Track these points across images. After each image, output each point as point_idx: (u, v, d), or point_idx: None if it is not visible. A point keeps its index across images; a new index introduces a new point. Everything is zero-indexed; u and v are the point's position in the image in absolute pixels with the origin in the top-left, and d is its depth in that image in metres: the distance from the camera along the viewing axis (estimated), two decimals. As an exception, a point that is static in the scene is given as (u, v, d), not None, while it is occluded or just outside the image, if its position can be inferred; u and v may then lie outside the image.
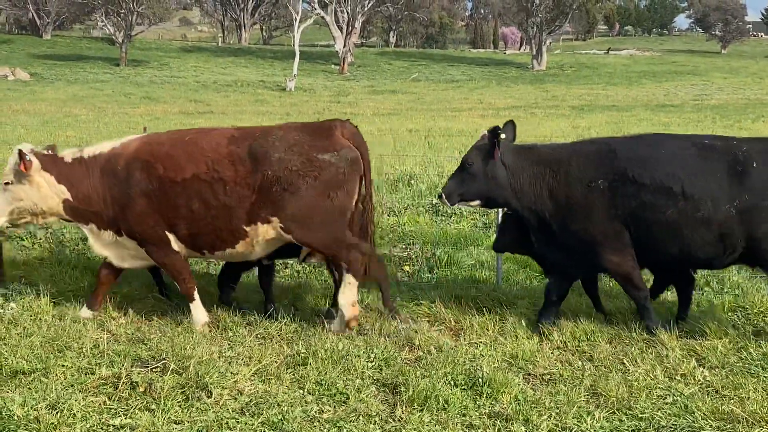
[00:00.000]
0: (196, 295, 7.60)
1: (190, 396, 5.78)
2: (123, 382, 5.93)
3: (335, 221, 7.25)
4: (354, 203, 7.37)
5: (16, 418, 5.29)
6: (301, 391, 5.95)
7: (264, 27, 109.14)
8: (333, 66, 72.75)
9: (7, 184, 7.36)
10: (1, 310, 7.62)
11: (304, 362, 6.42)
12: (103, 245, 7.61)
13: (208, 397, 5.78)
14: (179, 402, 5.69)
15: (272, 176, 7.04)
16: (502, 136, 7.28)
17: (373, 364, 6.47)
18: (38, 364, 6.23)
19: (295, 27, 65.60)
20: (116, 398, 5.74)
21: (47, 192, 7.38)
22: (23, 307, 7.66)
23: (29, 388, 5.86)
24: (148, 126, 13.95)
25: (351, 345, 6.81)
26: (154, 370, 6.24)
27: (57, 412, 5.41)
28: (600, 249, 7.13)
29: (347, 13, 72.87)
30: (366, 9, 74.74)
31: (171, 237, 7.39)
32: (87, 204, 7.42)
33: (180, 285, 7.66)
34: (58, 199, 7.42)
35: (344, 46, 71.01)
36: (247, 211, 7.15)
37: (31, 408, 5.42)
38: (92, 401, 5.67)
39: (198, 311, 7.58)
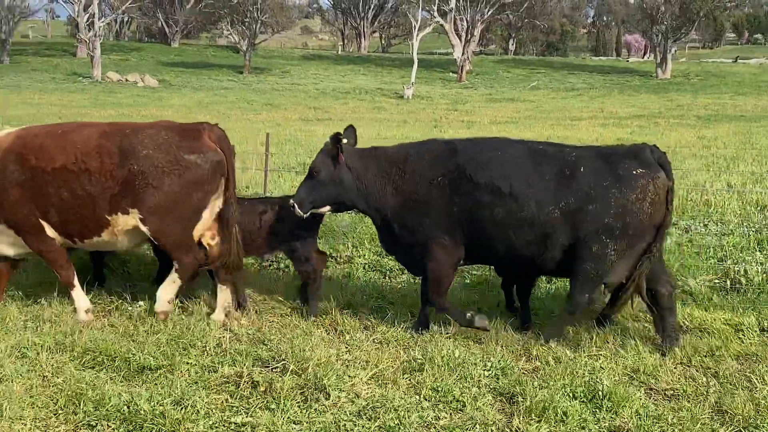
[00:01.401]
0: (76, 282, 7.81)
1: (308, 397, 5.86)
2: (244, 381, 6.07)
3: (188, 219, 7.59)
4: (214, 203, 7.70)
5: (143, 412, 5.47)
6: (418, 397, 5.97)
7: (383, 35, 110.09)
8: (451, 74, 72.73)
9: None
10: (130, 308, 7.92)
11: (420, 368, 6.44)
12: None
13: (326, 399, 5.85)
14: (298, 402, 5.79)
15: (137, 170, 7.34)
16: (344, 141, 7.52)
17: (490, 372, 6.43)
18: (164, 360, 6.43)
19: (414, 35, 65.94)
20: (238, 396, 5.88)
21: None
22: (150, 305, 7.93)
23: (155, 384, 6.06)
24: (270, 132, 14.25)
25: (467, 353, 6.80)
26: (274, 370, 6.37)
27: (181, 408, 5.57)
28: (434, 244, 7.31)
29: (466, 20, 72.74)
30: (485, 17, 74.39)
31: (45, 225, 7.62)
32: None
33: (58, 272, 7.85)
34: None
35: (463, 54, 70.87)
36: (109, 202, 7.44)
37: (157, 403, 5.60)
38: (215, 399, 5.83)
39: (80, 299, 7.80)
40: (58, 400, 5.72)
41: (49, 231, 7.67)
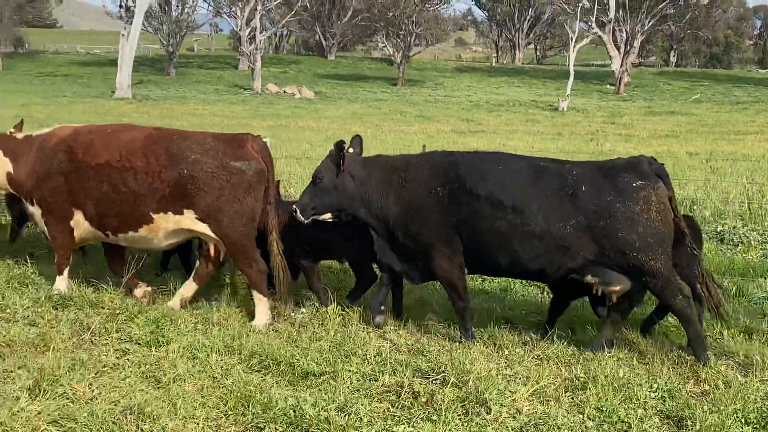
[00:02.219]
0: (66, 272, 8.50)
1: (469, 410, 5.83)
2: (405, 391, 6.08)
3: (245, 225, 7.94)
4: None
5: (308, 417, 5.58)
6: (581, 416, 5.85)
7: (538, 47, 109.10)
8: (608, 86, 71.17)
9: None
10: (293, 314, 8.12)
11: (583, 387, 6.30)
12: None
13: (488, 413, 5.81)
14: (459, 415, 5.77)
15: (188, 174, 7.81)
16: (350, 150, 7.79)
17: (656, 394, 6.23)
18: (327, 367, 6.54)
19: (571, 47, 64.88)
20: (399, 406, 5.91)
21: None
22: (312, 312, 8.09)
23: (319, 390, 6.18)
24: (426, 144, 14.32)
25: (632, 373, 6.60)
26: (434, 381, 6.37)
27: (345, 415, 5.65)
28: (436, 254, 7.44)
29: (626, 32, 71.09)
30: (646, 28, 72.52)
31: (78, 215, 8.26)
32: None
33: (59, 258, 8.48)
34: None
35: (621, 66, 69.23)
36: (157, 201, 7.93)
37: (322, 409, 5.69)
38: (377, 407, 5.88)
39: (62, 283, 8.46)
40: (228, 401, 5.90)
41: (81, 221, 8.29)
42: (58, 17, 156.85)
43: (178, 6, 78.12)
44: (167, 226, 8.05)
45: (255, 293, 7.98)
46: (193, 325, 7.57)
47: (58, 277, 8.50)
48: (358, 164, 7.78)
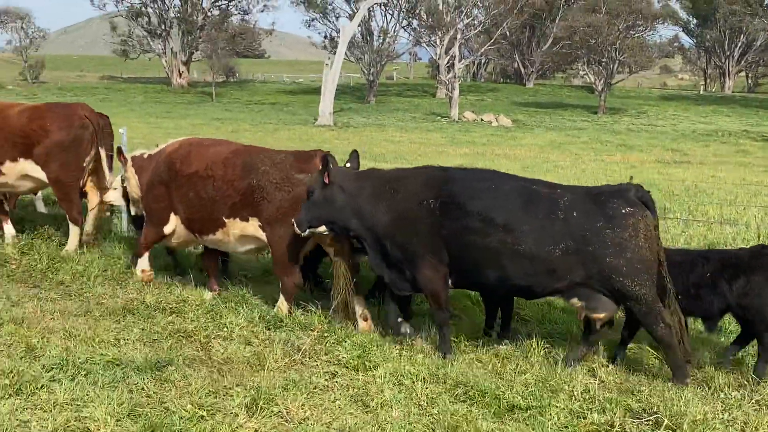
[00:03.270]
0: (145, 255, 9.78)
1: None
2: (616, 431, 5.89)
3: (296, 237, 8.34)
4: None
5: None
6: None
7: (750, 74, 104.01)
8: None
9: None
10: (496, 345, 8.04)
11: (811, 439, 5.87)
12: None
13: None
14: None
15: (256, 184, 8.59)
16: (347, 165, 8.30)
17: None
18: (533, 401, 6.42)
19: (785, 74, 61.40)
20: (611, 447, 5.72)
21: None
22: (516, 345, 7.99)
23: (526, 424, 6.07)
24: (633, 175, 13.92)
25: None
26: (646, 423, 6.13)
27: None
28: (421, 263, 7.60)
29: None
30: None
31: (174, 219, 9.41)
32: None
33: (139, 249, 9.84)
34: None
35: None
36: (229, 207, 8.82)
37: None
38: (588, 446, 5.72)
39: (143, 262, 9.82)
40: (434, 429, 5.91)
41: (177, 225, 9.44)
42: (267, 48, 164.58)
43: (379, 36, 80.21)
44: (235, 232, 8.91)
45: (281, 299, 8.72)
46: (398, 351, 7.64)
47: (139, 259, 9.88)
48: (350, 178, 8.01)
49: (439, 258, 7.57)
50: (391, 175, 8.08)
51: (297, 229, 8.08)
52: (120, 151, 10.08)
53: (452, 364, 7.28)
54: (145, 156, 9.80)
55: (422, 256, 7.62)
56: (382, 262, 7.95)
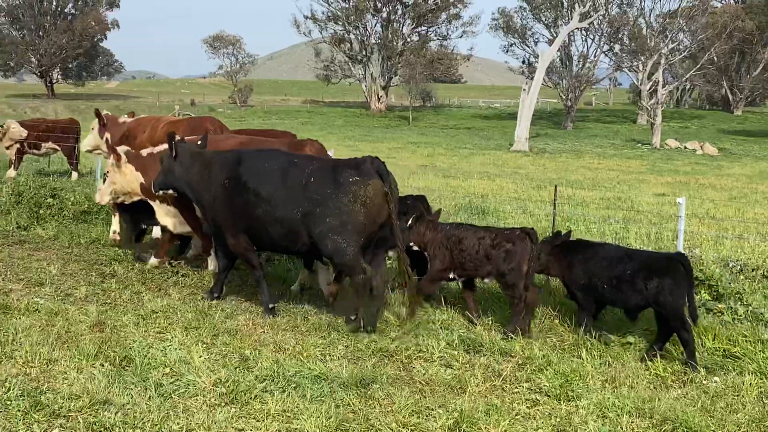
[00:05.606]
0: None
1: None
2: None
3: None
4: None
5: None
6: None
7: None
8: None
9: None
10: (705, 381, 7.71)
11: None
12: None
13: None
14: None
15: None
16: (199, 143, 10.05)
17: None
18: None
19: None
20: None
21: None
22: (726, 383, 7.63)
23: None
24: None
25: None
26: None
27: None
28: (226, 231, 9.44)
29: None
30: None
31: None
32: None
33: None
34: None
35: None
36: None
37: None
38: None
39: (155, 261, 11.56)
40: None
41: None
42: (463, 73, 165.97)
43: (579, 61, 79.16)
44: None
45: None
46: (601, 382, 7.47)
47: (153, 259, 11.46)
48: (189, 154, 9.73)
49: (238, 227, 9.29)
50: (210, 158, 9.63)
51: (152, 189, 10.19)
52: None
53: (659, 399, 7.03)
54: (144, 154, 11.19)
55: (225, 227, 9.41)
56: (210, 227, 9.83)
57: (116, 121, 13.93)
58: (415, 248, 9.68)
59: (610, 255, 8.85)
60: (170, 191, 10.03)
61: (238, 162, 9.25)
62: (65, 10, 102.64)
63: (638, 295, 8.47)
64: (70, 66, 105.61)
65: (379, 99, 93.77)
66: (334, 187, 8.57)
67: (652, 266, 8.48)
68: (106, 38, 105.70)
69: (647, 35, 67.30)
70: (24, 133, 20.19)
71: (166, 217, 11.08)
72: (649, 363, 8.08)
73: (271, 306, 9.30)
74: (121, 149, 11.30)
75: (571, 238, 9.46)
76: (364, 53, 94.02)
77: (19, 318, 8.48)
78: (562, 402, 6.92)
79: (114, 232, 12.38)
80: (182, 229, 11.14)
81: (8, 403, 6.22)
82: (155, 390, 6.64)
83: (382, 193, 8.57)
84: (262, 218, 8.97)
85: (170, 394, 6.63)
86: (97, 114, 14.06)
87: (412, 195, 11.14)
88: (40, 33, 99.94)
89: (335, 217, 8.55)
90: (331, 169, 8.76)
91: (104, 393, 6.49)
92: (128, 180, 11.11)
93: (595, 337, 8.62)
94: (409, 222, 9.60)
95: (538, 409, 6.77)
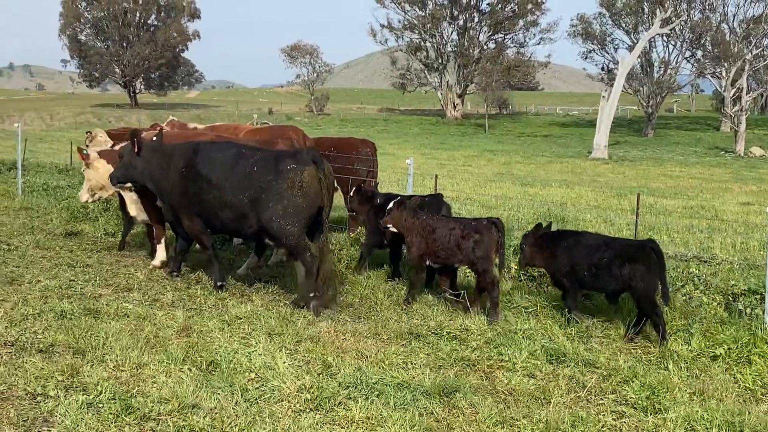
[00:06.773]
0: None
1: None
2: None
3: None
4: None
5: None
6: None
7: None
8: None
9: None
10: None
11: None
12: None
13: None
14: None
15: None
16: (154, 138, 10.86)
17: None
18: None
19: None
20: None
21: None
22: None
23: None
24: None
25: None
26: None
27: None
28: (182, 215, 10.49)
29: None
30: None
31: None
32: None
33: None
34: None
35: None
36: None
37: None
38: None
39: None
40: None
41: None
42: (540, 80, 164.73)
43: (660, 67, 77.82)
44: None
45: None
46: (688, 395, 7.32)
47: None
48: (149, 149, 10.62)
49: (192, 211, 10.31)
50: (169, 150, 10.51)
51: (110, 182, 11.18)
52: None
53: (749, 412, 6.85)
54: None
55: (182, 212, 10.42)
56: (169, 214, 10.80)
57: (185, 127, 15.00)
58: (393, 229, 10.48)
59: (590, 243, 9.43)
60: (128, 184, 11.15)
61: (195, 152, 10.27)
62: (148, 22, 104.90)
63: (614, 280, 9.11)
64: (153, 76, 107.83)
65: (454, 107, 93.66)
66: (275, 175, 9.59)
67: (625, 253, 9.08)
68: (187, 49, 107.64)
69: (730, 41, 65.84)
70: (109, 142, 20.71)
71: (132, 205, 12.19)
72: (738, 376, 7.88)
73: (219, 284, 10.51)
74: (92, 150, 12.70)
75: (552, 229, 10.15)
76: (440, 61, 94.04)
77: (109, 322, 8.69)
78: (649, 414, 6.79)
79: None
80: (143, 217, 12.19)
81: (100, 406, 6.38)
82: (242, 395, 6.74)
83: (317, 179, 9.59)
84: (214, 203, 10.02)
85: (256, 399, 6.72)
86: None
87: (431, 193, 12.08)
88: (124, 44, 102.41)
89: (277, 202, 9.56)
90: (273, 158, 9.81)
91: (192, 397, 6.62)
92: (101, 174, 12.21)
93: (566, 319, 9.40)
94: (390, 206, 10.47)
95: (624, 422, 6.66)
